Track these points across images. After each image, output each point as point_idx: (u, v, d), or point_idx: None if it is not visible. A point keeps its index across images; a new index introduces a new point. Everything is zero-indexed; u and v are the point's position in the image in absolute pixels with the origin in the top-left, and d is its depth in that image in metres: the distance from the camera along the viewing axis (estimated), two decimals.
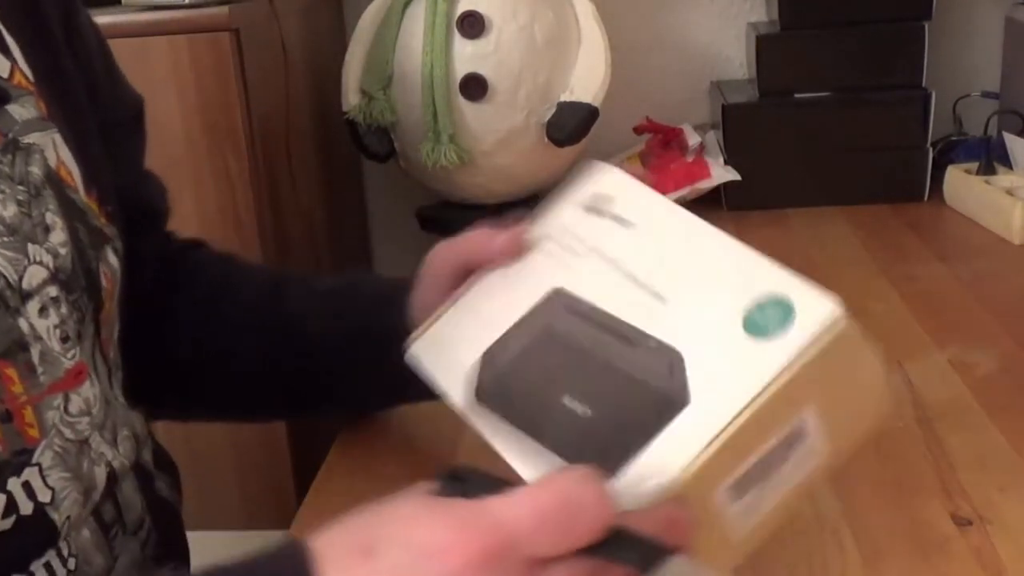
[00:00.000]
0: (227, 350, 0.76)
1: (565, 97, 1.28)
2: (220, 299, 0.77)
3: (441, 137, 1.26)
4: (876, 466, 0.71)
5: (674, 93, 1.52)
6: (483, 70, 1.25)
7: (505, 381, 0.54)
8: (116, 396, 0.64)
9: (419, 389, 0.58)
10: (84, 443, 0.59)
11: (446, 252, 0.65)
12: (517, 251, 0.59)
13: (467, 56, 1.25)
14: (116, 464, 0.61)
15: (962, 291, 1.04)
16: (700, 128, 1.42)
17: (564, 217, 0.59)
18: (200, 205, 1.15)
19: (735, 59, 1.51)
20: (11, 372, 0.54)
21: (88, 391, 0.59)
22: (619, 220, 0.56)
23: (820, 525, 0.65)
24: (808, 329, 0.46)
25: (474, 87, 1.25)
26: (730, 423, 0.45)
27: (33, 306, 0.56)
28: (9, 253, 0.55)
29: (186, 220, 1.13)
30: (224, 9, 1.11)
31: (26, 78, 0.61)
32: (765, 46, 1.34)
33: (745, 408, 0.45)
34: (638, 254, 0.54)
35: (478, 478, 0.43)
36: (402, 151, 1.34)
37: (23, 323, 0.55)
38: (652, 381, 0.49)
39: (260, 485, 1.24)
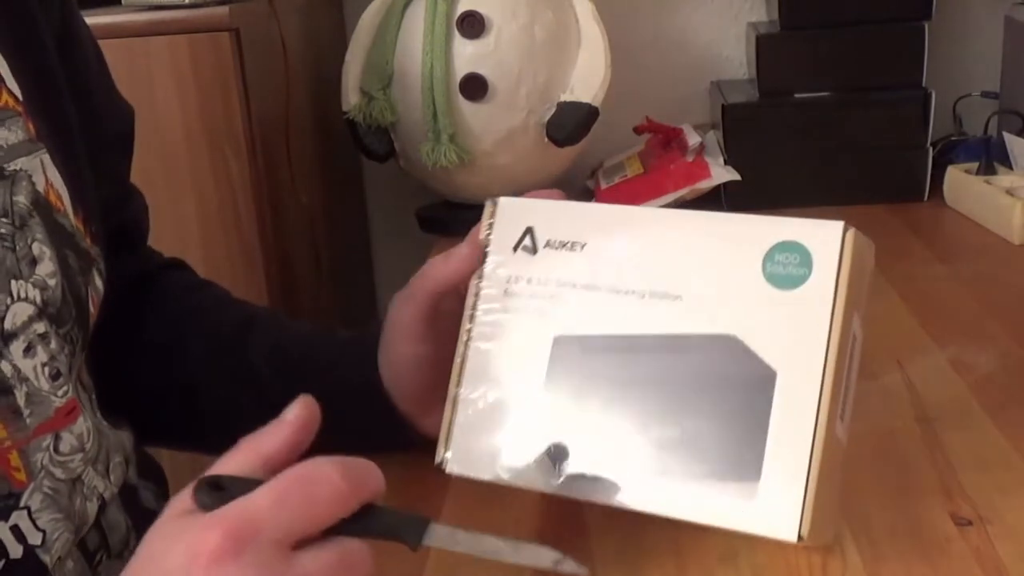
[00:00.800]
0: (190, 385, 0.73)
1: (565, 97, 1.28)
2: (187, 331, 0.74)
3: (441, 137, 1.26)
4: (876, 466, 0.71)
5: (674, 93, 1.52)
6: (483, 70, 1.25)
7: (583, 465, 0.53)
8: (100, 420, 0.63)
9: (389, 439, 0.61)
10: (77, 480, 0.57)
11: (407, 302, 0.63)
12: (473, 261, 0.57)
13: (467, 56, 1.25)
14: (107, 495, 0.60)
15: (962, 291, 1.04)
16: (700, 128, 1.42)
17: (506, 268, 0.56)
18: (200, 205, 1.15)
19: (735, 59, 1.51)
20: None
21: (81, 426, 0.58)
22: (564, 246, 0.54)
23: None
24: (830, 259, 0.49)
25: (474, 87, 1.25)
26: (823, 377, 0.47)
27: (17, 347, 0.54)
28: None
29: (186, 220, 1.13)
30: (224, 9, 1.11)
31: (14, 97, 0.59)
32: (765, 46, 1.34)
33: (826, 358, 0.47)
34: (614, 267, 0.53)
35: (237, 483, 0.44)
36: (402, 151, 1.34)
37: (5, 365, 0.53)
38: (730, 371, 0.49)
39: None
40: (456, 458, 0.57)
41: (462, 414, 0.57)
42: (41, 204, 0.58)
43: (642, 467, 0.50)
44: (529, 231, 0.56)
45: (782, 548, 0.61)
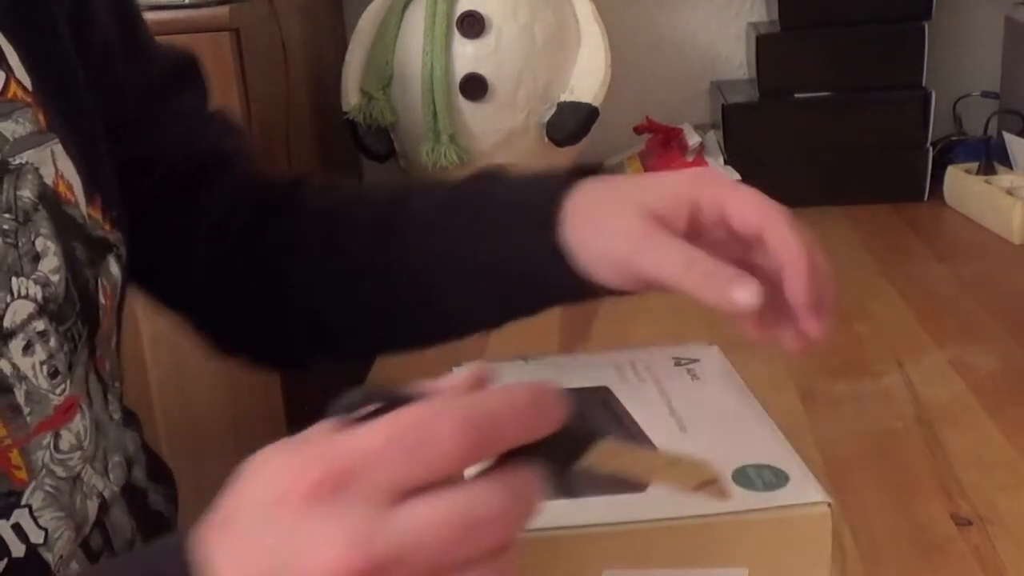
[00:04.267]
0: (344, 294, 0.70)
1: (565, 97, 1.28)
2: (332, 242, 0.70)
3: (441, 137, 1.26)
4: (876, 466, 0.71)
5: (674, 93, 1.52)
6: (483, 70, 1.25)
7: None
8: (111, 415, 0.63)
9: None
10: (76, 479, 0.57)
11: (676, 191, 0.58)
12: None
13: (467, 56, 1.25)
14: (107, 494, 0.60)
15: (962, 291, 1.04)
16: (700, 128, 1.42)
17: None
18: None
19: (735, 59, 1.51)
20: None
21: (79, 424, 0.57)
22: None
23: None
24: (791, 499, 0.47)
25: (474, 87, 1.25)
26: (662, 520, 0.46)
27: (16, 345, 0.54)
28: None
29: None
30: (224, 9, 1.11)
31: (23, 87, 0.59)
32: (765, 46, 1.34)
33: (683, 519, 0.46)
34: (681, 394, 0.57)
35: (386, 399, 0.40)
36: (402, 151, 1.34)
37: (4, 364, 0.53)
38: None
39: None
40: None
41: None
42: (48, 197, 0.57)
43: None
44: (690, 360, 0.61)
45: None
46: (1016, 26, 1.36)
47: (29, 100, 0.59)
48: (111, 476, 0.61)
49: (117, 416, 0.64)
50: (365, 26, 1.32)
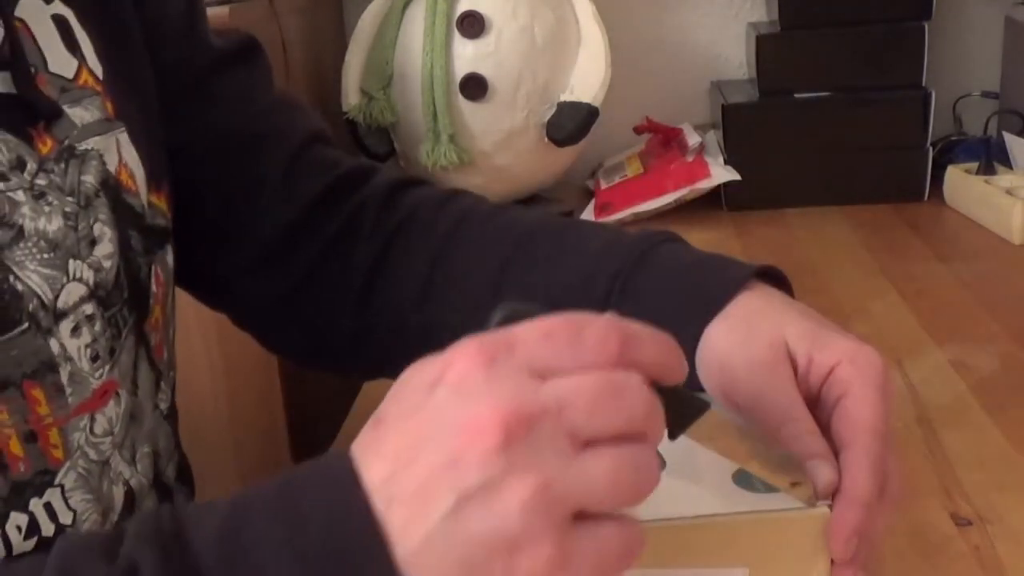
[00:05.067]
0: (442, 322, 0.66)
1: (565, 97, 1.28)
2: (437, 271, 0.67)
3: (441, 137, 1.26)
4: None
5: (674, 93, 1.52)
6: (483, 70, 1.25)
7: None
8: (158, 403, 0.63)
9: None
10: (105, 463, 0.58)
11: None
12: None
13: (467, 56, 1.25)
14: (133, 483, 0.60)
15: (962, 291, 1.04)
16: (700, 128, 1.42)
17: None
18: None
19: (735, 59, 1.51)
20: (37, 393, 0.53)
21: (112, 410, 0.58)
22: None
23: None
24: (791, 500, 0.47)
25: (474, 87, 1.25)
26: (662, 520, 0.46)
27: (66, 326, 0.55)
28: (47, 271, 0.54)
29: None
30: (224, 9, 1.11)
31: (94, 76, 0.60)
32: (765, 46, 1.34)
33: (683, 519, 0.46)
34: None
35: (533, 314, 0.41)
36: (402, 151, 1.34)
37: (54, 344, 0.54)
38: None
39: None
40: None
41: None
42: (110, 184, 0.59)
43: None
44: None
45: None
46: (1016, 26, 1.36)
47: (99, 88, 0.60)
48: (138, 466, 0.62)
49: (164, 406, 0.65)
50: (365, 26, 1.32)
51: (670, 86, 1.52)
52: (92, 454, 0.57)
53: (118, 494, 0.59)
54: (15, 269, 0.52)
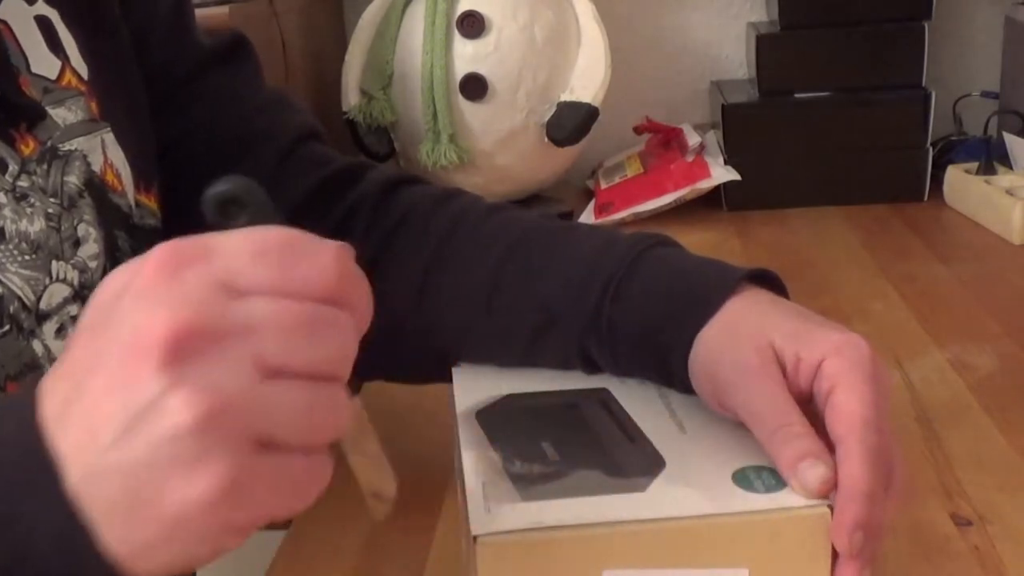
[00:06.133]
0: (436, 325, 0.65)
1: (565, 97, 1.28)
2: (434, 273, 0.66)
3: (441, 137, 1.26)
4: None
5: (674, 93, 1.52)
6: (483, 70, 1.25)
7: (507, 414, 0.56)
8: None
9: None
10: None
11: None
12: None
13: (467, 56, 1.25)
14: None
15: (962, 291, 1.04)
16: (700, 128, 1.42)
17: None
18: None
19: (735, 59, 1.51)
20: None
21: None
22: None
23: None
24: (791, 500, 0.47)
25: (474, 87, 1.25)
26: (662, 519, 0.46)
27: (50, 327, 0.55)
28: (27, 272, 0.54)
29: None
30: (224, 9, 1.11)
31: (78, 76, 0.60)
32: (765, 46, 1.34)
33: (683, 519, 0.46)
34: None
35: (257, 209, 0.38)
36: (402, 151, 1.34)
37: (37, 345, 0.54)
38: (624, 465, 0.50)
39: None
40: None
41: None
42: (95, 185, 0.58)
43: (506, 452, 0.51)
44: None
45: None
46: (1016, 26, 1.36)
47: (83, 89, 0.60)
48: None
49: None
50: (365, 26, 1.32)
51: (670, 86, 1.52)
52: None
53: None
54: None
